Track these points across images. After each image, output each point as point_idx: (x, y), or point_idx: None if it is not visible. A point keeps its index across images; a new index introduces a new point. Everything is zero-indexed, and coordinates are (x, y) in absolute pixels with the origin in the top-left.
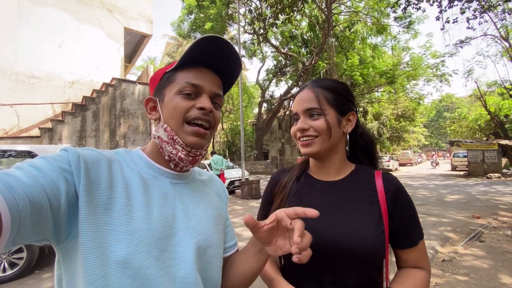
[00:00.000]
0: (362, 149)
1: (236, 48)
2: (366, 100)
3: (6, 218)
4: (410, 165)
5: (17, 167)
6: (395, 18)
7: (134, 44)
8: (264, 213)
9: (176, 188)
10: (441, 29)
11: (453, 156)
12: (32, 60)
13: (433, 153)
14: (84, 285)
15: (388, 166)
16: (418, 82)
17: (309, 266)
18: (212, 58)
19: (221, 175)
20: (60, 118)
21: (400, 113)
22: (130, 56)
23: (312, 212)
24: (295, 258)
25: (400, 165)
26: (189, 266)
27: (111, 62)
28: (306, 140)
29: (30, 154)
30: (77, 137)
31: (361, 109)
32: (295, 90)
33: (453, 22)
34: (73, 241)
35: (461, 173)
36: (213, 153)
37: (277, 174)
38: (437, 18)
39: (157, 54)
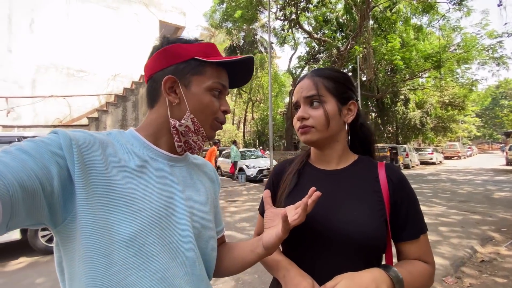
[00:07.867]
0: (360, 141)
1: (267, 36)
2: (408, 86)
3: None
4: (457, 159)
5: (5, 151)
6: None
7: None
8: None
9: (173, 170)
10: (498, 5)
11: (509, 149)
12: (80, 55)
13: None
14: (85, 265)
15: (431, 159)
16: (471, 66)
17: (306, 252)
18: (235, 70)
19: (232, 164)
20: (105, 109)
21: (447, 101)
22: None
23: (314, 195)
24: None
25: (446, 158)
26: (189, 242)
27: (148, 54)
28: (304, 128)
29: None
30: (119, 125)
31: (402, 96)
32: None
33: None
34: (70, 224)
35: None
36: (234, 142)
37: (279, 165)
38: None
39: None
